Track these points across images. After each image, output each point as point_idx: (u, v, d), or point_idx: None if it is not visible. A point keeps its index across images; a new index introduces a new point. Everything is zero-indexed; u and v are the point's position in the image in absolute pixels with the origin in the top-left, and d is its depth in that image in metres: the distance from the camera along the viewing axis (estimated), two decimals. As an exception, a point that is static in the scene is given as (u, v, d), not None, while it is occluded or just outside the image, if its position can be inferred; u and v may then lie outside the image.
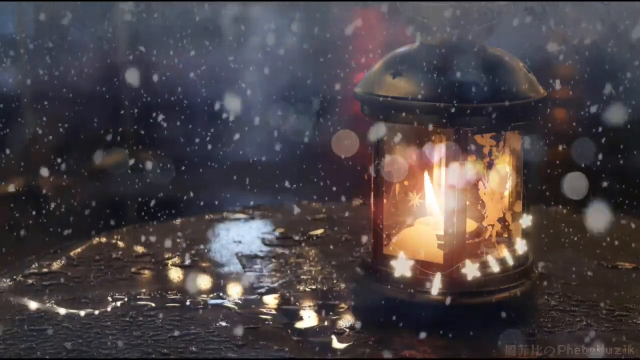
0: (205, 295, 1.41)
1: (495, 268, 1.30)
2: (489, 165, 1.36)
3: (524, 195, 1.35)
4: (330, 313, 1.35)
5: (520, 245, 1.35)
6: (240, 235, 1.71)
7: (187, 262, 1.57)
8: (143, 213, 2.39)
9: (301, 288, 1.44)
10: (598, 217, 1.60)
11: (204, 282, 1.48)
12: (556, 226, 1.74)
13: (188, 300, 1.39)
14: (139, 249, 1.62)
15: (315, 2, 3.02)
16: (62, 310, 1.35)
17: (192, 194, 2.29)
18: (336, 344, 1.25)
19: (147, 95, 2.85)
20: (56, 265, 1.54)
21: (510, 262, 1.32)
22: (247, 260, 1.58)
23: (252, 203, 1.93)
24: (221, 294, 1.42)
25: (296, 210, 1.86)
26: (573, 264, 1.54)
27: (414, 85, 1.26)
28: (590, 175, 1.64)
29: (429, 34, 1.30)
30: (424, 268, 1.29)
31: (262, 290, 1.44)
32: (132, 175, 2.71)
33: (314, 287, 1.45)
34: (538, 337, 1.26)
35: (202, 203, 2.20)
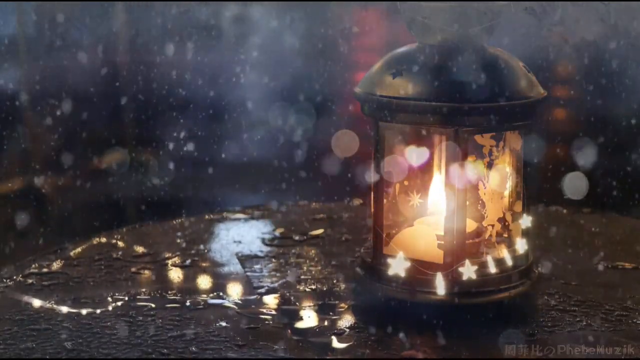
0: (205, 295, 1.41)
1: (495, 268, 1.30)
2: (489, 165, 1.35)
3: (524, 195, 1.35)
4: (330, 313, 1.35)
5: (520, 245, 1.34)
6: (240, 235, 1.71)
7: (187, 262, 1.57)
8: (143, 213, 2.39)
9: (301, 288, 1.45)
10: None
11: (204, 282, 1.48)
12: (556, 226, 1.74)
13: (188, 301, 1.39)
14: (139, 249, 1.63)
15: (315, 2, 3.02)
16: (62, 310, 1.35)
17: (192, 195, 2.29)
18: (336, 344, 1.25)
19: (147, 95, 2.85)
20: (56, 265, 1.54)
21: (510, 262, 1.32)
22: (247, 260, 1.58)
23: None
24: (221, 294, 1.42)
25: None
26: (573, 264, 1.54)
27: (414, 85, 1.26)
28: (590, 175, 1.64)
29: (429, 34, 1.30)
30: (424, 268, 1.29)
31: (262, 290, 1.44)
32: (132, 175, 2.71)
33: (314, 287, 1.45)
34: (538, 337, 1.26)
35: (201, 203, 2.21)
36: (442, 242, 1.29)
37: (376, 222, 1.33)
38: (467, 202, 1.29)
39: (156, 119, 2.87)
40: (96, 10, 2.94)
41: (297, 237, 1.69)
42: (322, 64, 2.98)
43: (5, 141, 2.70)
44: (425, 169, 1.39)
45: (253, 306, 1.37)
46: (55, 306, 1.36)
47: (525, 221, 1.35)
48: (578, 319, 1.32)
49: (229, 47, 3.09)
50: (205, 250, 1.63)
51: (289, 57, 2.95)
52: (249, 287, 1.45)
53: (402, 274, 1.30)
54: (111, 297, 1.40)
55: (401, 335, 1.26)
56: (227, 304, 1.38)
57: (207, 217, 1.82)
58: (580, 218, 1.80)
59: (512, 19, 1.33)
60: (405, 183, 1.39)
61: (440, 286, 1.28)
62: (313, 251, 1.62)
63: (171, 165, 2.69)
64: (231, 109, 2.89)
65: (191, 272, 1.52)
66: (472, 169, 1.30)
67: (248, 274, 1.51)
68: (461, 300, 1.28)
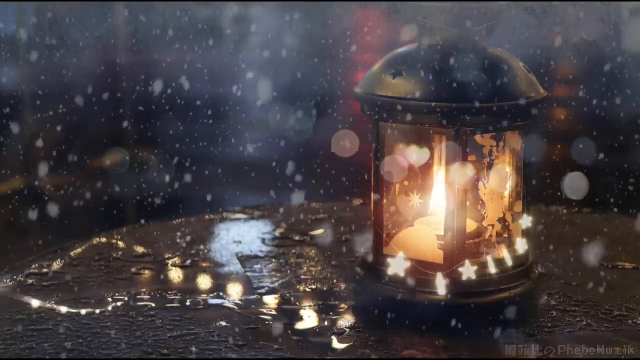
0: (205, 295, 1.41)
1: (495, 268, 1.30)
2: (489, 165, 1.35)
3: (524, 195, 1.35)
4: (330, 313, 1.35)
5: (520, 245, 1.35)
6: (240, 235, 1.71)
7: (187, 262, 1.57)
8: (143, 213, 2.39)
9: (301, 288, 1.44)
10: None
11: (204, 282, 1.48)
12: (556, 226, 1.74)
13: (188, 300, 1.39)
14: (139, 249, 1.63)
15: (315, 1, 3.02)
16: (62, 310, 1.35)
17: (192, 195, 2.29)
18: (336, 344, 1.25)
19: (147, 94, 2.85)
20: (56, 265, 1.54)
21: (510, 262, 1.32)
22: (247, 260, 1.58)
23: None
24: (221, 294, 1.42)
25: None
26: (573, 264, 1.54)
27: (414, 85, 1.26)
28: (591, 174, 1.64)
29: (429, 34, 1.30)
30: (424, 268, 1.29)
31: (262, 290, 1.44)
32: (132, 174, 2.71)
33: (314, 287, 1.45)
34: (538, 337, 1.26)
35: (201, 203, 2.20)
36: (442, 242, 1.29)
37: (376, 222, 1.33)
38: (467, 202, 1.29)
39: (156, 119, 2.87)
40: (95, 10, 2.94)
41: (297, 237, 1.69)
42: (322, 64, 2.98)
43: (5, 141, 2.70)
44: (425, 169, 1.39)
45: (253, 306, 1.37)
46: (55, 306, 1.36)
47: (525, 221, 1.35)
48: (578, 319, 1.32)
49: (229, 46, 3.09)
50: (205, 250, 1.63)
51: (289, 56, 2.95)
52: (249, 287, 1.45)
53: (402, 274, 1.30)
54: (111, 297, 1.40)
55: (401, 335, 1.26)
56: (227, 304, 1.38)
57: (207, 217, 1.82)
58: (580, 218, 1.80)
59: (512, 19, 1.33)
60: (405, 183, 1.39)
61: (440, 286, 1.28)
62: (313, 251, 1.62)
63: (171, 165, 2.68)
64: (231, 109, 2.89)
65: (191, 272, 1.52)
66: (472, 169, 1.30)
67: (248, 274, 1.51)
68: (461, 300, 1.28)
